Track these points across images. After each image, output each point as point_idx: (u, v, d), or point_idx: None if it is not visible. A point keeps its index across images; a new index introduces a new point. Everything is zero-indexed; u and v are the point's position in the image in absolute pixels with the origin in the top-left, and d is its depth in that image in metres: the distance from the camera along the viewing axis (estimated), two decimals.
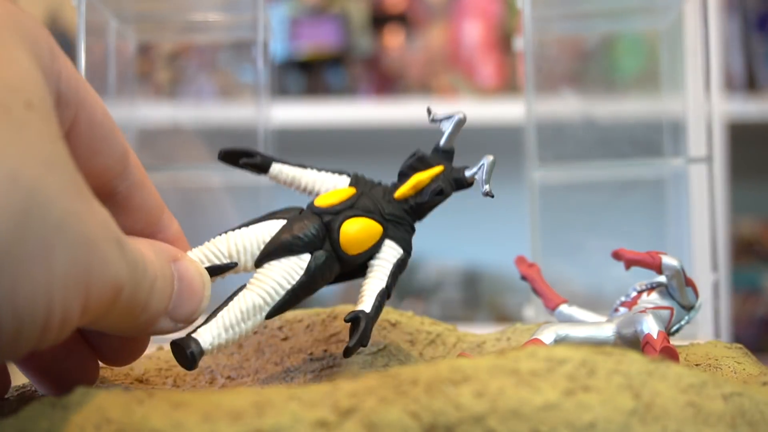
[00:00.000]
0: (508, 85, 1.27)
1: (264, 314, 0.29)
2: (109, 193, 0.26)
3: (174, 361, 0.35)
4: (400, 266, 0.31)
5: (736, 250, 1.27)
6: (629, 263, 0.32)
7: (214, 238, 0.30)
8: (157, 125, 0.67)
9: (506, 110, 1.07)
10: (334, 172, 0.33)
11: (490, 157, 0.32)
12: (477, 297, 1.37)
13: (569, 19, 0.56)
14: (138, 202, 0.27)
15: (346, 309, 0.37)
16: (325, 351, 0.35)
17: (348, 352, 0.29)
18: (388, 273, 0.31)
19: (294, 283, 0.29)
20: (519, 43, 0.53)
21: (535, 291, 0.37)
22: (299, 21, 1.31)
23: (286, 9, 1.32)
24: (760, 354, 0.37)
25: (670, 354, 0.28)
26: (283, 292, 0.29)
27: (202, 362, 0.35)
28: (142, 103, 0.65)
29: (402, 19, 1.33)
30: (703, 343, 0.33)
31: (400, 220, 0.31)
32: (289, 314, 0.37)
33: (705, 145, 0.50)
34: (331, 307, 0.37)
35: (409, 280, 1.35)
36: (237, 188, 0.54)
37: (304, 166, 0.32)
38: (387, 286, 0.31)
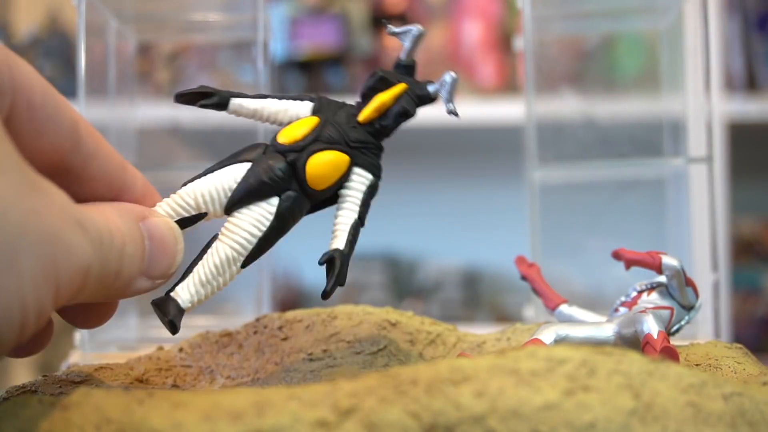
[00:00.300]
0: (508, 85, 1.27)
1: (239, 264, 0.29)
2: (64, 167, 0.26)
3: (174, 361, 0.35)
4: (370, 192, 0.31)
5: (736, 250, 1.27)
6: (629, 263, 0.32)
7: (179, 189, 0.29)
8: (157, 125, 0.67)
9: (506, 110, 1.07)
10: (295, 98, 0.32)
11: (452, 74, 0.31)
12: (477, 297, 1.37)
13: (569, 19, 0.56)
14: (95, 171, 0.27)
15: (346, 309, 0.37)
16: (325, 351, 0.35)
17: (326, 295, 0.29)
18: (359, 203, 0.31)
19: (265, 229, 0.29)
20: (519, 43, 0.53)
21: (535, 291, 0.37)
22: (299, 21, 1.31)
23: (286, 9, 1.32)
24: (760, 354, 0.37)
25: (671, 354, 0.28)
26: (255, 240, 0.29)
27: (202, 362, 0.35)
28: (142, 103, 0.64)
29: (402, 19, 1.33)
30: (703, 343, 0.33)
31: (367, 144, 0.31)
32: (289, 314, 0.37)
33: (705, 145, 0.50)
34: (331, 307, 0.37)
35: (409, 280, 1.35)
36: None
37: (264, 96, 0.32)
38: (359, 215, 0.31)
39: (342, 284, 0.30)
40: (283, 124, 0.31)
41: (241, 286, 0.30)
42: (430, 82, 0.32)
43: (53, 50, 1.22)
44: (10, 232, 0.19)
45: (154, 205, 0.29)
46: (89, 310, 0.28)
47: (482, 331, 0.38)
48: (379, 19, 1.33)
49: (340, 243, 0.30)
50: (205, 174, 0.30)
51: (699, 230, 0.60)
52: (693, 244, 0.61)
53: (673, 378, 0.23)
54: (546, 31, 0.55)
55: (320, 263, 0.30)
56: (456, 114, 0.31)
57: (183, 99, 0.31)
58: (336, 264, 0.29)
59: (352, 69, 1.32)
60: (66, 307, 0.28)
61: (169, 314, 0.27)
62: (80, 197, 0.26)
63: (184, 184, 0.30)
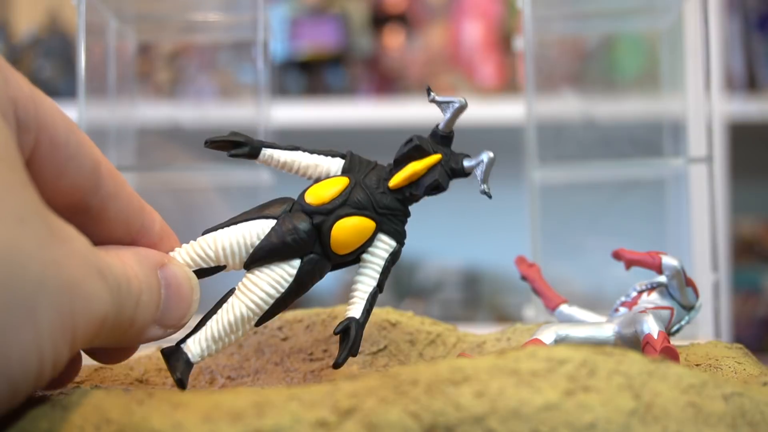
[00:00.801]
0: (508, 85, 1.27)
1: (252, 323, 0.29)
2: (83, 208, 0.26)
3: None
4: (392, 259, 0.31)
5: (736, 250, 1.27)
6: (629, 263, 0.32)
7: (202, 235, 0.29)
8: (157, 125, 0.67)
9: (506, 110, 1.07)
10: (326, 154, 0.31)
11: (491, 154, 0.31)
12: (477, 297, 1.37)
13: (569, 19, 0.56)
14: (114, 212, 0.26)
15: (334, 334, 0.37)
16: (325, 351, 0.35)
17: (337, 366, 0.29)
18: (379, 270, 0.30)
19: (283, 291, 0.29)
20: (519, 43, 0.53)
21: (535, 291, 0.37)
22: (299, 21, 1.31)
23: (286, 9, 1.32)
24: (761, 354, 0.37)
25: (671, 354, 0.28)
26: (272, 301, 0.29)
27: (202, 362, 0.35)
28: (142, 103, 0.64)
29: (402, 19, 1.33)
30: (704, 344, 0.33)
31: (395, 211, 0.31)
32: (289, 314, 0.37)
33: (705, 145, 0.50)
34: (331, 308, 0.37)
35: (409, 280, 1.35)
36: (235, 189, 0.54)
37: (295, 148, 0.31)
38: (378, 283, 0.30)
39: (354, 355, 0.29)
40: (312, 179, 0.31)
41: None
42: (467, 156, 0.31)
43: (53, 50, 1.22)
44: (29, 284, 0.19)
45: (171, 248, 0.29)
46: (109, 350, 0.28)
47: (482, 331, 0.38)
48: (379, 19, 1.33)
49: (356, 312, 0.30)
50: (228, 225, 0.29)
51: (699, 230, 0.60)
52: (693, 244, 0.61)
53: (674, 378, 0.23)
54: (546, 31, 0.55)
55: (335, 333, 0.29)
56: (489, 196, 0.31)
57: (213, 146, 0.30)
58: (351, 334, 0.29)
59: (352, 69, 1.32)
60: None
61: (178, 371, 0.27)
62: (98, 237, 0.26)
63: (206, 232, 0.29)
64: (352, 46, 1.32)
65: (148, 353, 0.36)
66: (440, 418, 0.20)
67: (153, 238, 0.28)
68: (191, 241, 0.29)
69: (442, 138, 0.31)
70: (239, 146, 0.30)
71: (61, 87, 1.15)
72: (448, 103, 0.31)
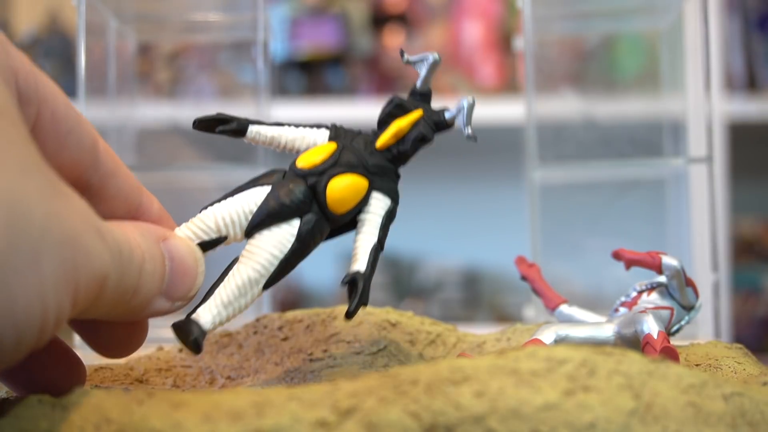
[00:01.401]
0: (508, 85, 1.27)
1: (260, 286, 0.29)
2: (83, 185, 0.26)
3: (174, 361, 0.35)
4: (389, 217, 0.31)
5: (736, 250, 1.27)
6: (629, 263, 0.32)
7: (199, 212, 0.29)
8: (157, 125, 0.67)
9: (506, 110, 1.07)
10: (312, 126, 0.32)
11: (470, 99, 0.31)
12: (477, 297, 1.37)
13: (569, 19, 0.56)
14: (113, 190, 0.27)
15: (341, 285, 0.37)
16: (325, 351, 0.35)
17: (350, 315, 0.29)
18: (378, 226, 0.31)
19: (287, 251, 0.29)
20: (519, 43, 0.53)
21: (535, 291, 0.37)
22: (299, 21, 1.31)
23: (286, 9, 1.32)
24: (761, 354, 0.37)
25: (671, 354, 0.28)
26: (276, 262, 0.29)
27: (202, 362, 0.35)
28: (142, 103, 0.64)
29: (402, 19, 1.33)
30: (704, 343, 0.33)
31: (385, 170, 0.31)
32: (289, 314, 0.37)
33: (705, 145, 0.50)
34: (331, 308, 0.37)
35: (409, 280, 1.35)
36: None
37: (281, 124, 0.32)
38: (379, 239, 0.31)
39: (365, 304, 0.30)
40: (300, 151, 0.31)
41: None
42: (447, 108, 0.32)
43: (53, 50, 1.22)
44: (33, 233, 0.19)
45: (170, 228, 0.29)
46: (117, 335, 0.28)
47: (482, 331, 0.38)
48: (379, 19, 1.33)
49: (361, 265, 0.30)
50: (224, 198, 0.30)
51: (699, 230, 0.60)
52: (693, 244, 0.62)
53: (674, 378, 0.23)
54: (546, 31, 0.55)
55: (343, 284, 0.30)
56: (475, 139, 0.31)
57: (201, 125, 0.31)
58: (359, 284, 0.29)
59: (352, 69, 1.32)
60: (97, 334, 0.28)
61: (193, 333, 0.27)
62: (99, 216, 0.26)
63: (204, 209, 0.29)
64: (352, 46, 1.32)
65: (148, 353, 0.36)
66: (440, 418, 0.20)
67: (152, 217, 0.28)
68: (191, 219, 0.29)
69: (421, 96, 0.32)
70: (226, 123, 0.31)
71: (61, 87, 1.15)
72: (421, 60, 0.32)
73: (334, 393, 0.21)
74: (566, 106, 0.65)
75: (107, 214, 0.26)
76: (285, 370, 0.34)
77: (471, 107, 0.31)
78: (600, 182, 0.56)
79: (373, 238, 0.31)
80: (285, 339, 0.36)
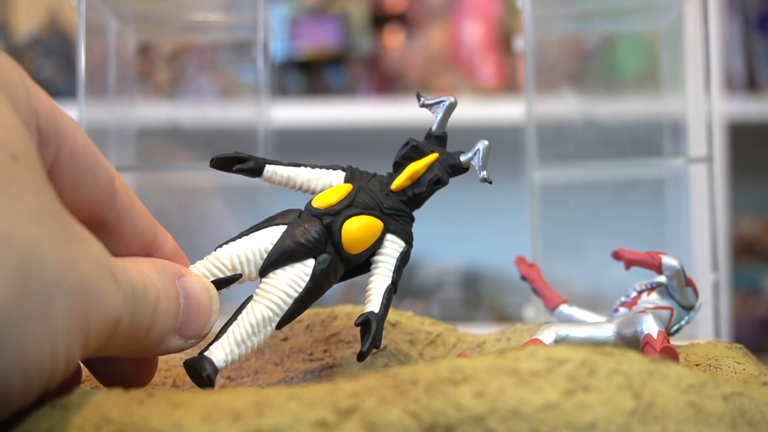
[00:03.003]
0: (508, 85, 1.27)
1: (274, 325, 0.29)
2: (99, 222, 0.26)
3: (174, 361, 0.35)
4: (403, 259, 0.31)
5: (736, 250, 1.27)
6: (629, 263, 0.32)
7: (214, 250, 0.29)
8: (157, 125, 0.67)
9: (506, 110, 1.07)
10: (328, 168, 0.32)
11: (485, 142, 0.31)
12: (477, 297, 1.37)
13: (569, 19, 0.56)
14: (129, 227, 0.27)
15: (346, 309, 0.37)
16: (325, 351, 0.35)
17: (362, 357, 0.29)
18: (392, 269, 0.31)
19: (301, 290, 0.29)
20: (519, 43, 0.53)
21: (535, 291, 0.37)
22: (299, 21, 1.31)
23: (286, 9, 1.32)
24: (760, 354, 0.37)
25: (670, 354, 0.28)
26: (290, 301, 0.29)
27: None
28: (142, 103, 0.64)
29: (402, 19, 1.33)
30: (703, 343, 0.33)
31: (400, 212, 0.31)
32: None
33: (705, 145, 0.50)
34: (331, 308, 0.37)
35: (409, 280, 1.35)
36: (235, 189, 0.54)
37: (297, 165, 0.32)
38: (393, 281, 0.31)
39: (377, 347, 0.30)
40: (315, 192, 0.31)
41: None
42: (462, 152, 0.32)
43: (53, 50, 1.22)
44: (46, 280, 0.19)
45: (183, 265, 0.29)
46: (127, 371, 0.28)
47: (482, 331, 0.38)
48: (379, 19, 1.33)
49: (374, 306, 0.30)
50: (240, 237, 0.30)
51: (699, 230, 0.60)
52: (693, 244, 0.62)
53: (673, 378, 0.23)
54: (546, 31, 0.55)
55: (356, 324, 0.30)
56: (490, 182, 0.31)
57: (218, 164, 0.31)
58: (372, 326, 0.29)
59: (352, 69, 1.32)
60: (105, 370, 0.28)
61: (206, 370, 0.27)
62: (114, 252, 0.26)
63: (219, 247, 0.30)
64: (352, 46, 1.32)
65: None
66: (440, 418, 0.20)
67: (167, 254, 0.28)
68: (206, 257, 0.29)
69: (437, 139, 0.32)
70: (243, 162, 0.31)
71: (61, 87, 1.15)
72: (438, 103, 0.32)
73: (334, 393, 0.21)
74: (566, 106, 0.65)
75: (122, 250, 0.27)
76: (285, 370, 0.34)
77: (487, 150, 0.31)
78: (600, 182, 0.56)
79: (387, 280, 0.31)
80: (285, 339, 0.36)
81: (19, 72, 0.22)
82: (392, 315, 0.37)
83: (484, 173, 0.31)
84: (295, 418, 0.20)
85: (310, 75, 1.31)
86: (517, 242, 0.52)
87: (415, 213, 0.32)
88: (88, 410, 0.21)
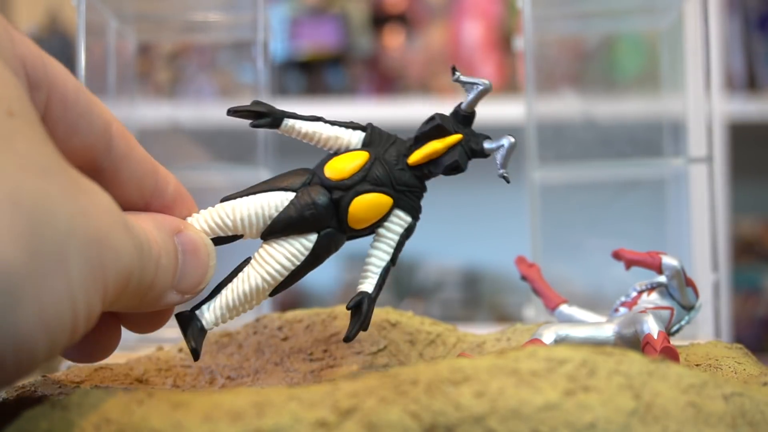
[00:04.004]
0: (508, 85, 1.27)
1: (267, 294, 0.29)
2: (95, 169, 0.25)
3: (174, 361, 0.35)
4: (407, 234, 0.31)
5: (736, 250, 1.27)
6: (629, 263, 0.32)
7: (220, 202, 0.29)
8: (157, 125, 0.67)
9: (506, 110, 1.07)
10: (347, 126, 0.31)
11: (512, 139, 0.31)
12: (477, 297, 1.37)
13: (569, 19, 0.56)
14: (127, 174, 0.26)
15: (346, 309, 0.37)
16: (325, 351, 0.35)
17: (348, 340, 0.29)
18: (394, 244, 0.31)
19: (299, 263, 0.29)
20: (519, 43, 0.53)
21: (535, 291, 0.37)
22: (299, 21, 1.31)
23: (286, 9, 1.32)
24: (761, 354, 0.37)
25: (671, 354, 0.28)
26: (287, 273, 0.29)
27: (202, 362, 0.35)
28: (142, 103, 0.64)
29: (402, 19, 1.33)
30: (704, 344, 0.33)
31: (412, 188, 0.31)
32: (289, 314, 0.37)
33: (705, 145, 0.50)
34: (330, 308, 0.37)
35: (409, 280, 1.35)
36: (235, 189, 0.54)
37: (317, 119, 0.31)
38: (392, 258, 0.31)
39: (365, 329, 0.30)
40: (332, 151, 0.31)
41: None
42: (488, 138, 0.31)
43: (53, 50, 1.21)
44: (59, 236, 0.19)
45: (186, 210, 0.29)
46: (142, 316, 0.28)
47: (482, 331, 0.38)
48: (379, 19, 1.33)
49: (369, 286, 0.30)
50: (247, 194, 0.29)
51: (699, 230, 0.60)
52: (693, 244, 0.61)
53: (674, 378, 0.22)
54: (546, 31, 0.55)
55: (348, 308, 0.30)
56: (508, 180, 0.31)
57: (236, 115, 0.30)
58: (363, 309, 0.30)
59: (352, 69, 1.32)
60: (124, 315, 0.28)
61: (192, 340, 0.27)
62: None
63: (224, 199, 0.29)
64: (352, 46, 1.32)
65: (148, 353, 0.36)
66: (440, 418, 0.20)
67: (166, 200, 0.28)
68: (209, 208, 0.29)
69: (463, 117, 0.31)
70: (261, 116, 0.30)
71: None
72: (472, 84, 0.31)
73: (334, 393, 0.21)
74: (566, 106, 0.65)
75: (120, 199, 0.26)
76: (285, 370, 0.34)
77: (512, 147, 0.31)
78: (600, 182, 0.56)
79: (387, 257, 0.31)
80: (285, 339, 0.36)
81: (1, 21, 0.22)
82: (392, 315, 0.37)
83: (503, 171, 0.31)
84: (295, 418, 0.20)
85: (310, 75, 1.31)
86: (517, 242, 0.52)
87: None
88: (88, 410, 0.21)
